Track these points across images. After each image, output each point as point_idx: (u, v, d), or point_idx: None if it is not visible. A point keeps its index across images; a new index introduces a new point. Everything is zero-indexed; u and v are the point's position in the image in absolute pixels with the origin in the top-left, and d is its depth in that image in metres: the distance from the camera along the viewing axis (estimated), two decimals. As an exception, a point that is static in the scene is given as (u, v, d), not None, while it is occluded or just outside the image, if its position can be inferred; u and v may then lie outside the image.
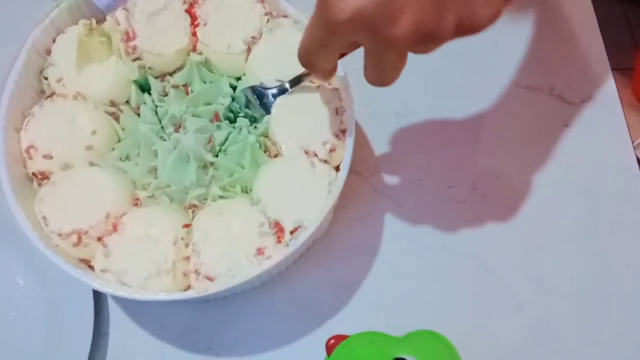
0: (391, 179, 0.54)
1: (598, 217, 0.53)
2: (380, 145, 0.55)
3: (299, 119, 0.47)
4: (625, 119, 0.56)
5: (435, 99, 0.57)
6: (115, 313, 0.51)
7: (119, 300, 0.52)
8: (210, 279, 0.44)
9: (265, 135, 0.49)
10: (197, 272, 0.44)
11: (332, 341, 0.45)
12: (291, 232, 0.45)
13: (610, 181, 0.54)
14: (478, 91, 0.57)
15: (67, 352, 0.48)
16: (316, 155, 0.47)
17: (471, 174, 0.54)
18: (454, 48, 0.59)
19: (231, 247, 0.44)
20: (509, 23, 0.60)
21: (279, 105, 0.48)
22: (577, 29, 0.59)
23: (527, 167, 0.54)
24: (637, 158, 0.55)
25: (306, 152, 0.47)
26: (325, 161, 0.47)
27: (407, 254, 0.52)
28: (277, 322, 0.50)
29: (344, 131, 0.47)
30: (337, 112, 0.47)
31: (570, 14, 0.60)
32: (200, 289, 0.43)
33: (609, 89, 0.57)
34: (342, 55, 0.40)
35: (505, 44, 0.59)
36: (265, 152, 0.49)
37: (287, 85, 0.48)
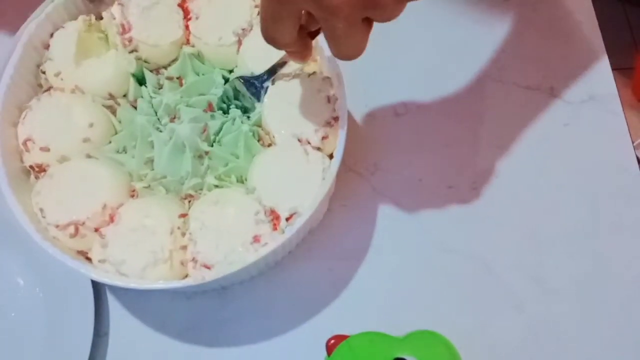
0: (391, 179, 0.54)
1: (598, 216, 0.53)
2: (380, 145, 0.55)
3: (292, 107, 0.48)
4: (625, 119, 0.56)
5: (435, 98, 0.57)
6: (115, 313, 0.51)
7: (119, 299, 0.52)
8: (207, 267, 0.44)
9: (259, 124, 0.49)
10: (194, 260, 0.45)
11: (332, 341, 0.45)
12: (287, 219, 0.45)
13: (610, 181, 0.54)
14: (478, 91, 0.57)
15: (67, 352, 0.48)
16: (309, 143, 0.47)
17: (471, 174, 0.54)
18: (454, 47, 0.59)
19: (228, 235, 0.45)
20: (508, 23, 0.60)
21: (272, 95, 0.48)
22: (577, 29, 0.59)
23: (527, 167, 0.54)
24: (637, 158, 0.55)
25: (299, 140, 0.47)
26: (319, 148, 0.47)
27: (407, 254, 0.52)
28: (278, 321, 0.50)
29: (336, 118, 0.47)
30: (329, 100, 0.48)
31: (570, 14, 0.60)
32: (197, 276, 0.43)
33: (609, 89, 0.57)
34: (313, 34, 0.40)
35: (505, 43, 0.59)
36: (259, 141, 0.49)
37: (266, 76, 0.48)
